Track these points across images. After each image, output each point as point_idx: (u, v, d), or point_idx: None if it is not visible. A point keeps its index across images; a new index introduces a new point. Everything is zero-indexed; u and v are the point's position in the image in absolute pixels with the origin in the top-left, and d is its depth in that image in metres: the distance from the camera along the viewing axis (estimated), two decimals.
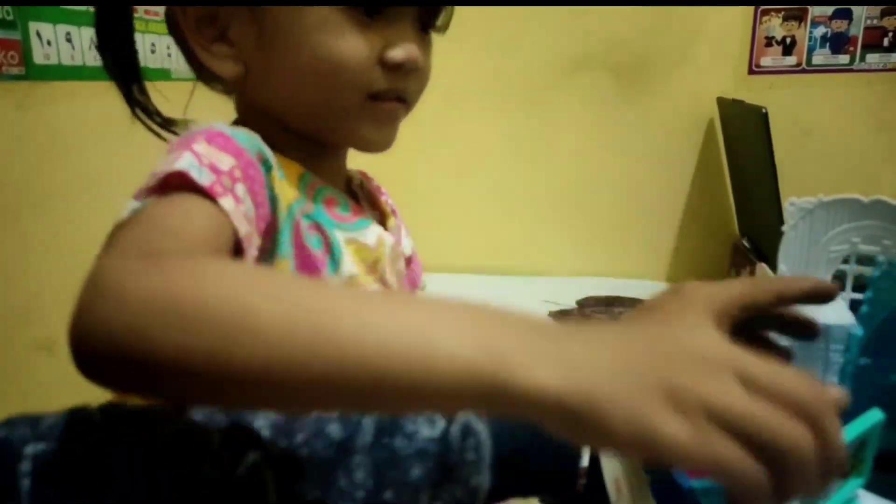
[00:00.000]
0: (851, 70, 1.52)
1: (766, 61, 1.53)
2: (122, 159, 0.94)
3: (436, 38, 0.56)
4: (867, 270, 0.64)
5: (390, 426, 0.36)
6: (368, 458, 0.36)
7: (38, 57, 0.81)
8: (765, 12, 1.51)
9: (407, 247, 0.66)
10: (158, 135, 0.55)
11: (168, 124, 0.56)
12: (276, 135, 0.51)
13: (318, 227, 0.51)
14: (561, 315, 1.41)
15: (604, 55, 1.55)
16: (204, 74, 0.55)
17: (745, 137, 1.33)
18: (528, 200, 1.64)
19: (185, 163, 0.40)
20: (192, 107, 0.58)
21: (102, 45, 0.52)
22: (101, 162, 0.92)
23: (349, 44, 0.49)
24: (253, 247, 0.42)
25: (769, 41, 1.52)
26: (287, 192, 0.49)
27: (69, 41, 0.86)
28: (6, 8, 0.77)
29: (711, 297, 0.36)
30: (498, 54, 1.56)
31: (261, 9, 0.50)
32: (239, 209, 0.41)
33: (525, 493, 0.42)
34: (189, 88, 0.58)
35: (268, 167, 0.47)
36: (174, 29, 0.53)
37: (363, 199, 0.62)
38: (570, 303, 1.47)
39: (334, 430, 0.36)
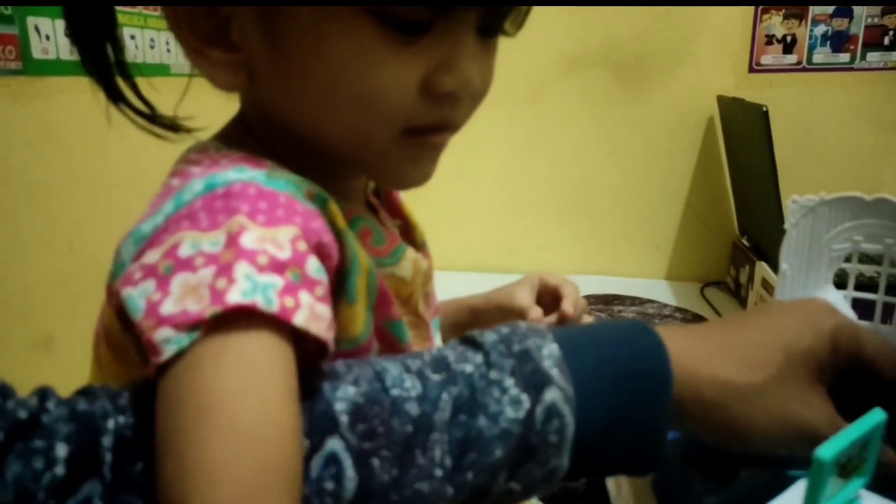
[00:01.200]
0: (852, 68, 1.51)
1: (766, 59, 1.53)
2: (119, 155, 0.94)
3: None
4: (869, 269, 0.64)
5: (472, 404, 0.35)
6: (446, 435, 0.34)
7: (37, 52, 0.81)
8: (765, 10, 1.51)
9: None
10: (153, 132, 0.48)
11: (157, 119, 0.47)
12: (290, 149, 0.42)
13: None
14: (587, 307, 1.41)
15: (603, 53, 1.55)
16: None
17: (745, 136, 1.33)
18: (528, 198, 1.64)
19: (245, 285, 0.31)
20: (195, 104, 0.58)
21: (76, 36, 0.44)
22: (98, 157, 0.92)
23: (385, 75, 0.37)
24: (332, 330, 0.34)
25: (769, 39, 1.52)
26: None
27: (68, 36, 0.85)
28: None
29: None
30: (497, 52, 1.56)
31: (271, 12, 0.38)
32: (314, 297, 0.33)
33: (602, 474, 0.43)
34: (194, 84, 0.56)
35: (323, 202, 0.39)
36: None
37: (381, 206, 0.54)
38: None
39: (412, 407, 0.34)
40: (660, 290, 1.53)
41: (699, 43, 1.52)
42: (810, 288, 0.62)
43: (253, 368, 0.30)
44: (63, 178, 0.87)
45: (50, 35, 0.82)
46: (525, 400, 0.35)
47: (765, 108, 1.12)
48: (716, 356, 0.38)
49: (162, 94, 0.51)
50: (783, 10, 1.50)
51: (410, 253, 0.48)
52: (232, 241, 0.32)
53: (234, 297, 0.30)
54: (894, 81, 1.51)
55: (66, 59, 0.85)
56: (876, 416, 0.36)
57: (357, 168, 0.46)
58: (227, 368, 0.30)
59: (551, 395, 0.35)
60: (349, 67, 0.37)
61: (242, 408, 0.29)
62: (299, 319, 0.31)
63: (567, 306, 0.65)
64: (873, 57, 1.50)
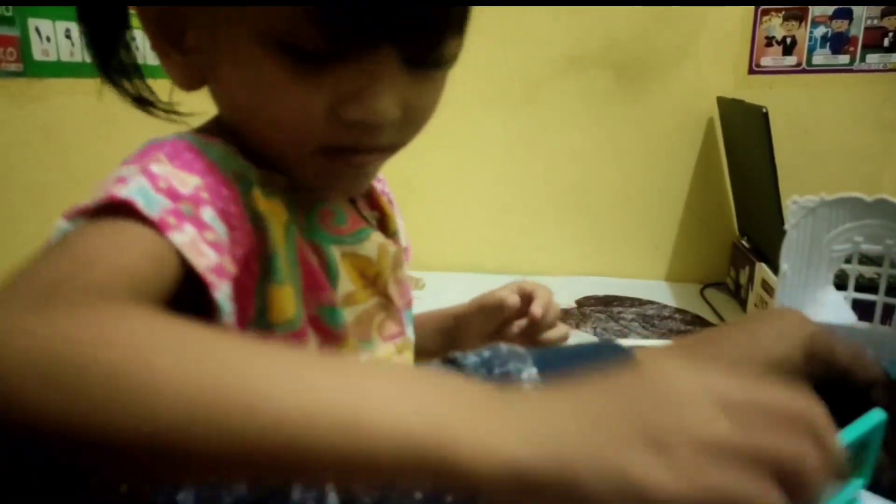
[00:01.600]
0: (852, 70, 1.51)
1: (766, 61, 1.53)
2: (119, 155, 0.94)
3: None
4: (869, 270, 0.64)
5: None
6: None
7: (37, 53, 0.81)
8: (765, 12, 1.51)
9: (402, 238, 0.61)
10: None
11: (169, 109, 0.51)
12: (250, 143, 0.45)
13: (314, 245, 0.46)
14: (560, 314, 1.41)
15: (603, 54, 1.55)
16: None
17: (744, 137, 1.33)
18: (527, 199, 1.64)
19: (133, 188, 0.35)
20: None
21: (94, 41, 0.47)
22: (97, 158, 0.92)
23: (291, 102, 0.39)
24: (224, 278, 0.37)
25: (769, 41, 1.52)
26: (277, 210, 0.43)
27: (68, 38, 0.85)
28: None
29: (812, 336, 0.39)
30: (497, 52, 1.56)
31: (213, 28, 0.41)
32: (202, 237, 0.36)
33: None
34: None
35: (246, 185, 0.41)
36: None
37: (361, 197, 0.56)
38: (568, 302, 1.47)
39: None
40: (659, 291, 1.53)
41: (699, 44, 1.52)
42: (810, 288, 0.62)
43: (118, 234, 0.33)
44: (62, 179, 0.87)
45: (51, 37, 0.82)
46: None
47: (765, 110, 1.12)
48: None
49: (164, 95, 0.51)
50: (783, 12, 1.50)
51: (377, 237, 0.50)
52: (144, 166, 0.37)
53: (119, 192, 0.34)
54: (894, 83, 1.51)
55: (66, 60, 0.85)
56: (875, 417, 0.36)
57: (289, 174, 0.46)
58: (93, 234, 0.33)
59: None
60: (257, 93, 0.40)
61: (90, 246, 0.32)
62: (177, 239, 0.34)
63: (535, 308, 0.65)
64: (873, 58, 1.51)
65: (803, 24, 1.51)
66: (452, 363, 0.37)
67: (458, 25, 0.41)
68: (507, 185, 1.64)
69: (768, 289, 1.22)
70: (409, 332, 0.54)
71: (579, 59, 1.56)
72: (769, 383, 0.28)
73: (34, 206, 0.83)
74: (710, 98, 1.52)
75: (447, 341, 0.66)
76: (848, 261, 0.63)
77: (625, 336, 1.30)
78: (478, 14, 1.48)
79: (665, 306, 1.43)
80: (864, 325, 0.60)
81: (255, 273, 0.41)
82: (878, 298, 0.60)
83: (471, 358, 0.37)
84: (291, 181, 0.45)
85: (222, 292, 0.36)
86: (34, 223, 0.83)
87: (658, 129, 1.57)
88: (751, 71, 1.54)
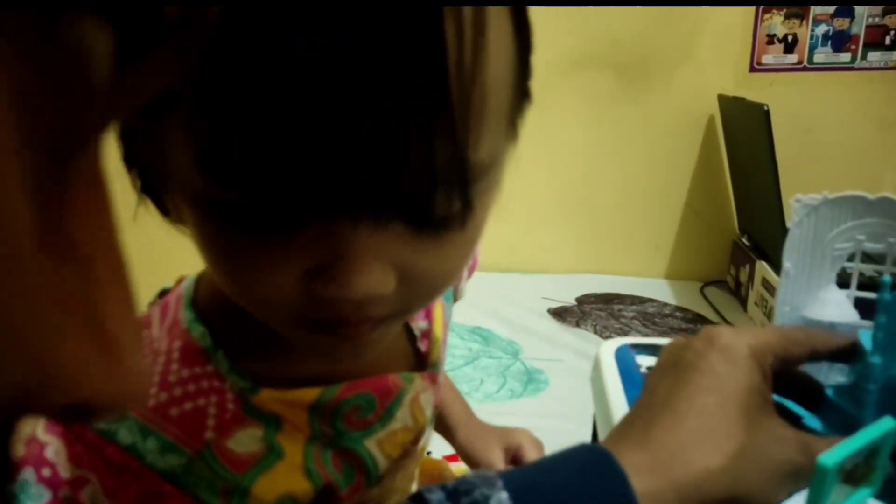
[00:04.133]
0: (853, 68, 1.51)
1: (767, 59, 1.53)
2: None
3: None
4: (871, 268, 0.64)
5: None
6: None
7: None
8: (766, 10, 1.51)
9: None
10: None
11: None
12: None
13: (347, 452, 0.40)
14: (560, 311, 1.41)
15: (605, 53, 1.55)
16: None
17: (745, 135, 1.33)
18: (529, 197, 1.64)
19: (21, 479, 0.36)
20: None
21: None
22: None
23: (254, 276, 0.29)
24: None
25: (771, 39, 1.52)
26: (294, 447, 0.37)
27: None
28: None
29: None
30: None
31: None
32: None
33: None
34: None
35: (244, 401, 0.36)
36: None
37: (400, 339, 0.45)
38: (569, 300, 1.47)
39: None
40: (660, 290, 1.53)
41: (700, 42, 1.52)
42: (813, 287, 0.62)
43: None
44: None
45: None
46: None
47: (766, 108, 1.12)
48: (692, 450, 0.34)
49: None
50: (784, 10, 1.50)
51: (410, 393, 0.42)
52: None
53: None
54: (895, 81, 1.51)
55: None
56: (886, 424, 0.35)
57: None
58: None
59: None
60: (218, 263, 0.31)
61: None
62: None
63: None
64: (874, 56, 1.50)
65: (804, 21, 1.51)
66: (418, 499, 0.33)
67: (453, 172, 0.27)
68: (508, 183, 1.63)
69: (769, 287, 1.22)
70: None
71: (581, 60, 1.56)
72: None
73: None
74: (711, 96, 1.52)
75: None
76: (850, 259, 0.63)
77: (625, 334, 1.30)
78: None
79: (665, 304, 1.43)
80: (866, 323, 0.59)
81: None
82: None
83: (436, 494, 0.33)
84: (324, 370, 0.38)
85: None
86: None
87: (659, 127, 1.57)
88: (752, 69, 1.53)
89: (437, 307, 0.45)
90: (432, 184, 0.27)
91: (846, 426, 0.38)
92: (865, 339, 0.40)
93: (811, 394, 0.41)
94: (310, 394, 0.38)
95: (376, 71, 0.23)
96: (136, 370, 0.18)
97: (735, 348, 0.36)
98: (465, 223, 0.30)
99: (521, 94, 0.32)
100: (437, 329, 0.45)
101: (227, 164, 0.26)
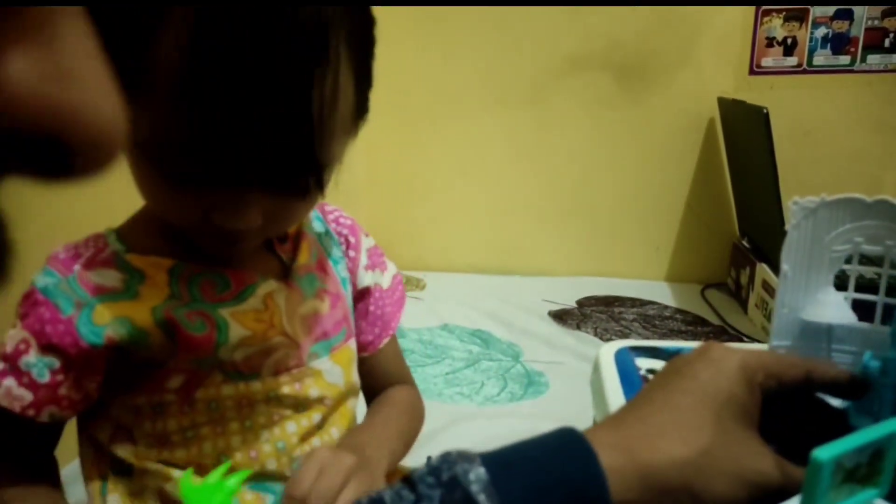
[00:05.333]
0: (852, 71, 1.52)
1: (766, 62, 1.53)
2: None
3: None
4: (869, 271, 0.64)
5: None
6: None
7: None
8: (766, 13, 1.51)
9: (365, 279, 0.64)
10: None
11: None
12: (153, 225, 0.53)
13: (202, 312, 0.52)
14: (561, 314, 1.41)
15: (604, 55, 1.55)
16: None
17: (745, 137, 1.33)
18: (529, 200, 1.64)
19: None
20: None
21: None
22: None
23: (168, 203, 0.48)
24: (48, 405, 0.50)
25: (770, 42, 1.52)
26: (152, 294, 0.51)
27: None
28: None
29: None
30: (498, 54, 1.56)
31: None
32: (15, 390, 0.49)
33: None
34: None
35: (86, 305, 0.50)
36: None
37: (284, 250, 0.59)
38: (570, 302, 1.47)
39: None
40: (660, 292, 1.53)
41: (700, 45, 1.53)
42: (811, 289, 0.62)
43: None
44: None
45: None
46: None
47: (765, 110, 1.12)
48: (659, 438, 0.36)
49: None
50: (784, 13, 1.51)
51: (266, 286, 0.56)
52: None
53: None
54: (894, 84, 1.51)
55: None
56: (891, 425, 0.35)
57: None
58: None
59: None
60: (146, 192, 0.49)
61: None
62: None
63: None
64: (874, 59, 1.51)
65: (804, 24, 1.51)
66: (405, 480, 0.36)
67: (315, 163, 0.45)
68: (508, 186, 1.64)
69: (769, 289, 1.22)
70: (316, 363, 0.58)
71: (581, 62, 1.56)
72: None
73: (34, 204, 0.83)
74: (711, 99, 1.52)
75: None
76: (848, 261, 0.63)
77: (626, 336, 1.30)
78: (480, 16, 1.48)
79: (666, 306, 1.43)
80: (864, 325, 0.60)
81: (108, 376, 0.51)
82: (879, 299, 0.60)
83: (420, 470, 0.36)
84: (179, 256, 0.53)
85: (47, 414, 0.50)
86: (33, 221, 0.83)
87: (659, 130, 1.57)
88: (751, 72, 1.54)
89: (305, 242, 0.61)
90: (298, 172, 0.45)
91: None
92: (870, 361, 0.41)
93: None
94: (167, 261, 0.53)
95: (263, 102, 0.40)
96: (95, 105, 0.18)
97: (724, 360, 0.38)
98: (316, 193, 0.48)
99: (360, 110, 0.48)
100: (303, 257, 0.61)
101: (167, 146, 0.43)
